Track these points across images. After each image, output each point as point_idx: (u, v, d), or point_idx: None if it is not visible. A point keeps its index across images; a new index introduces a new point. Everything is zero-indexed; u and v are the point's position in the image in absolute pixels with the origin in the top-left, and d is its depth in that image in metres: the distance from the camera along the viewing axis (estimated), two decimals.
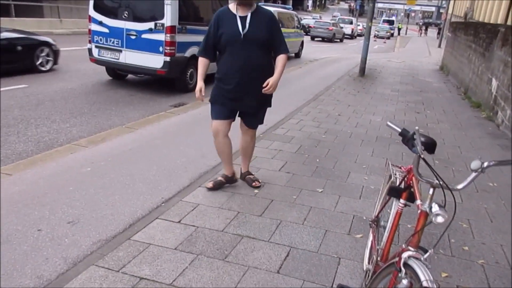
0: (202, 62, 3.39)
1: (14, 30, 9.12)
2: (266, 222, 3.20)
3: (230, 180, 3.77)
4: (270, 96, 3.56)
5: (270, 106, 3.66)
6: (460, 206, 3.69)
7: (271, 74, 3.38)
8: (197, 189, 3.68)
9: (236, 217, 3.22)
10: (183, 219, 3.14)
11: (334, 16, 52.31)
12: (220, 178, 3.73)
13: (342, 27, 34.00)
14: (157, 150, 4.62)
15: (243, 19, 3.24)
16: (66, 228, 2.93)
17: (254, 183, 3.79)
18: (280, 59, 3.39)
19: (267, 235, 3.00)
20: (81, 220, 3.05)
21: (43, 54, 8.82)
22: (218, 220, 3.16)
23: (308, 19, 37.58)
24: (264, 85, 3.30)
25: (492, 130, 6.72)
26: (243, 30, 3.22)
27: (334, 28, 30.62)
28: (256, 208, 3.40)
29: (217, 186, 3.68)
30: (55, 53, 9.08)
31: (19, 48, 8.29)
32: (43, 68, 8.82)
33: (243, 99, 3.39)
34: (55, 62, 9.10)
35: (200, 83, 3.34)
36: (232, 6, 3.32)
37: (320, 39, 30.05)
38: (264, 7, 3.48)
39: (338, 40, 31.80)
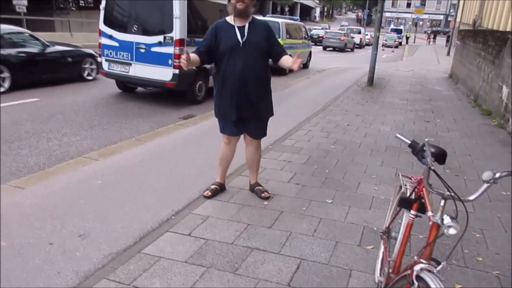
0: (193, 55, 3.32)
1: (63, 44, 10.15)
2: (276, 234, 3.18)
3: (222, 188, 3.90)
4: (270, 103, 3.64)
5: (272, 114, 3.71)
6: (472, 216, 3.64)
7: (267, 82, 3.57)
8: (207, 201, 3.68)
9: (245, 230, 3.22)
10: (193, 231, 3.15)
11: (342, 26, 52.89)
12: (215, 186, 3.84)
13: (353, 37, 34.57)
14: (166, 162, 4.65)
15: (241, 29, 3.36)
16: (77, 241, 2.95)
17: (263, 194, 3.79)
18: (285, 56, 3.47)
19: (277, 247, 2.98)
20: (92, 233, 3.07)
21: (87, 65, 9.75)
22: (228, 233, 3.15)
23: (317, 29, 38.10)
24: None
25: (503, 137, 6.64)
26: (242, 38, 3.33)
27: (345, 38, 31.32)
28: (265, 220, 3.39)
29: (214, 194, 3.77)
30: (98, 64, 9.83)
31: (70, 59, 9.26)
32: (89, 78, 9.79)
33: (243, 105, 3.45)
34: (97, 72, 9.83)
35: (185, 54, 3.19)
36: (229, 18, 3.43)
37: (331, 49, 30.50)
38: (271, 18, 3.57)
39: (349, 50, 32.22)
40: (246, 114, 3.50)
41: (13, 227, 3.07)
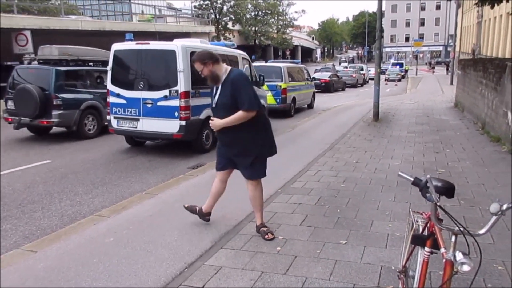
0: None
1: None
2: (292, 280, 3.12)
3: (201, 215, 4.21)
4: (249, 145, 3.78)
5: (255, 154, 3.80)
6: (492, 247, 3.54)
7: (240, 129, 3.69)
8: (219, 251, 3.64)
9: (260, 278, 3.16)
10: (207, 283, 3.09)
11: (344, 61, 56.00)
12: (197, 207, 4.22)
13: (362, 73, 37.11)
14: (177, 214, 4.64)
15: (217, 89, 3.78)
16: None
17: (266, 236, 3.84)
18: (236, 113, 3.66)
19: None
20: None
21: None
22: (243, 282, 3.10)
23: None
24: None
25: None
26: (215, 99, 3.78)
27: (356, 75, 34.47)
28: (280, 266, 3.33)
29: (190, 210, 4.23)
30: None
31: None
32: None
33: (224, 150, 3.91)
34: None
35: None
36: None
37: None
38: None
39: (360, 85, 34.61)
40: (234, 158, 3.85)
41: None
